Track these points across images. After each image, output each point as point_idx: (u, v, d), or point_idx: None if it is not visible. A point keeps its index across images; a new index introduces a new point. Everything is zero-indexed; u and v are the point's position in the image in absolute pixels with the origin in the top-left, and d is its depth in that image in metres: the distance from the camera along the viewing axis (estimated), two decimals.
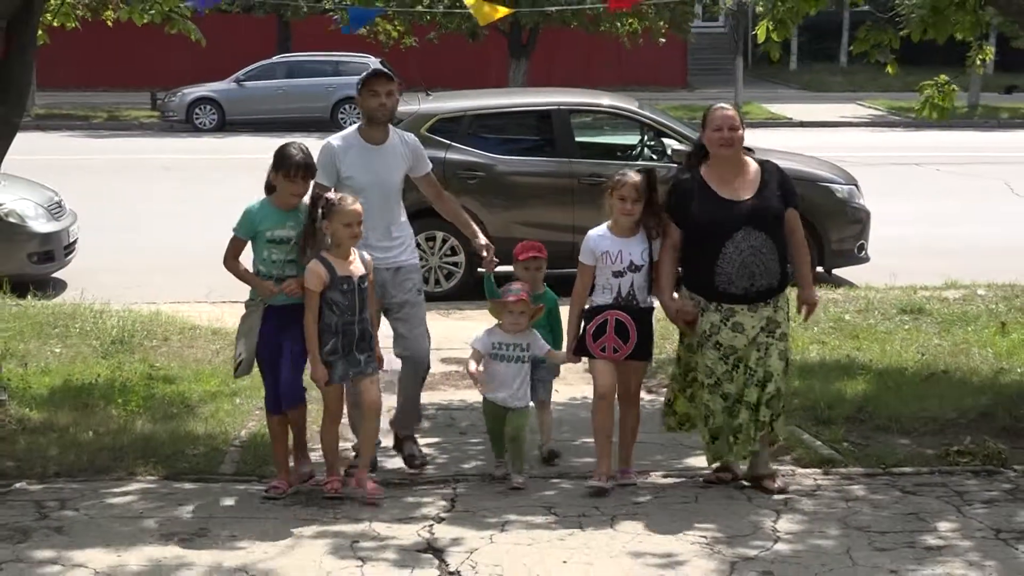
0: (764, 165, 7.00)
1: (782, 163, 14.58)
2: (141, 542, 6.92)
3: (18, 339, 10.74)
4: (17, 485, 7.55)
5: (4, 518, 7.01)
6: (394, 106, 7.58)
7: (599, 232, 7.00)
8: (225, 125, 31.89)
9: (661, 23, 35.63)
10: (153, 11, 13.91)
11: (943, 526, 6.50)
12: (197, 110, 31.86)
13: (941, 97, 11.16)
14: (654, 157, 14.46)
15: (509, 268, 7.95)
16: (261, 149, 27.54)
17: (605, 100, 15.12)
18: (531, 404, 7.48)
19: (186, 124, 31.85)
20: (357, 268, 6.78)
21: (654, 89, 37.59)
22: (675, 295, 7.09)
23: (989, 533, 6.87)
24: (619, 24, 34.84)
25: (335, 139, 7.62)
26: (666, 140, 14.37)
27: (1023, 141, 26.78)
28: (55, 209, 13.93)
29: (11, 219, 13.60)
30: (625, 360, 6.99)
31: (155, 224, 18.38)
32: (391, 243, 7.58)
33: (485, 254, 7.72)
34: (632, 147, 14.77)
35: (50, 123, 32.24)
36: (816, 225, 13.95)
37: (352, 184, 7.35)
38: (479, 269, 7.81)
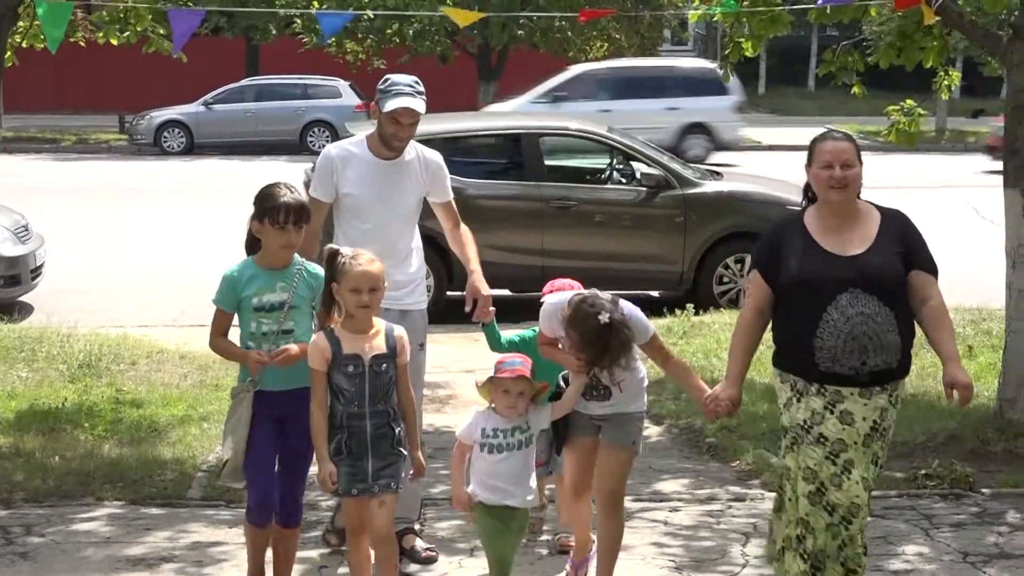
0: (888, 215, 5.55)
1: (750, 187, 15.21)
2: (108, 568, 6.89)
3: None
4: None
5: None
6: (411, 136, 6.48)
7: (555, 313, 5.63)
8: (193, 148, 31.96)
9: (628, 48, 35.87)
10: (128, 32, 14.08)
11: (911, 549, 6.52)
12: (165, 133, 31.89)
13: (908, 123, 11.18)
14: (623, 181, 14.55)
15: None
16: (229, 172, 28.62)
17: (574, 124, 15.19)
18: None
19: (154, 147, 31.85)
20: (374, 346, 5.38)
21: None
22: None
23: (957, 556, 6.93)
24: (588, 48, 35.12)
25: (336, 147, 6.62)
26: (635, 164, 14.41)
27: (989, 165, 27.14)
28: (21, 232, 13.90)
29: None
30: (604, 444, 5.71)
31: (123, 247, 18.39)
32: (399, 279, 6.35)
33: (475, 302, 6.47)
34: (601, 171, 14.83)
35: (17, 146, 32.21)
36: None
37: (352, 203, 6.41)
38: (473, 319, 6.64)
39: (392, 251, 6.31)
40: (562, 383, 5.72)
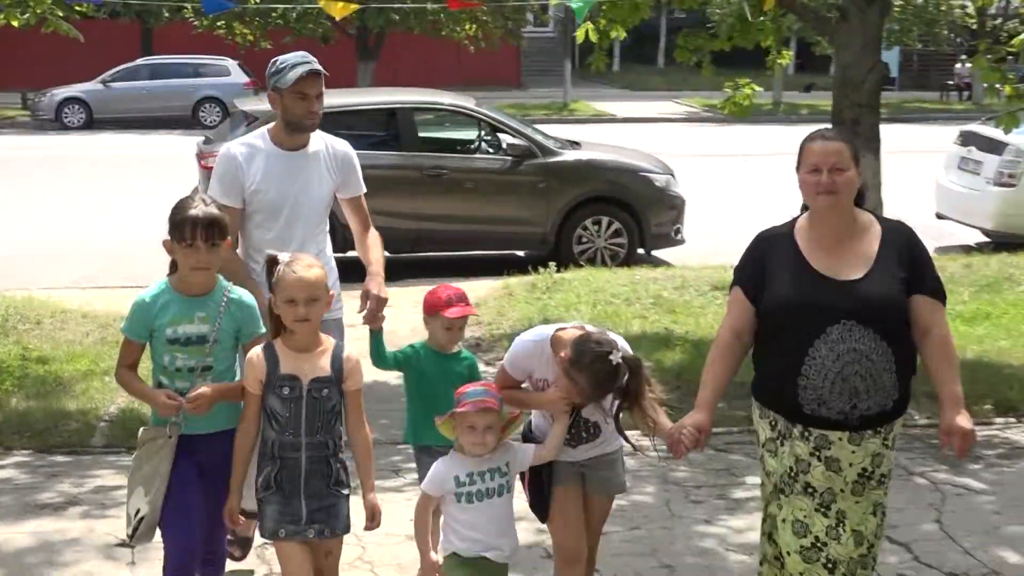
0: (890, 229, 4.43)
1: (605, 156, 15.21)
2: (18, 512, 6.82)
3: None
4: None
5: None
6: (320, 111, 5.50)
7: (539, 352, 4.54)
8: (93, 123, 31.59)
9: (496, 29, 36.32)
10: (27, 14, 13.59)
11: (750, 480, 6.56)
12: (66, 109, 31.67)
13: (741, 96, 11.44)
14: (490, 151, 14.62)
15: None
16: (127, 145, 28.23)
17: (446, 99, 15.25)
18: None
19: (55, 123, 31.57)
20: (317, 367, 4.37)
21: (491, 89, 38.07)
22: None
23: None
24: (458, 29, 35.46)
25: (236, 144, 5.55)
26: (501, 135, 14.53)
27: None
28: None
29: None
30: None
31: (27, 216, 18.00)
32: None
33: (367, 304, 5.28)
34: (471, 142, 14.92)
35: None
36: (637, 211, 14.41)
37: (262, 200, 5.43)
38: (362, 321, 5.39)
39: (304, 248, 5.35)
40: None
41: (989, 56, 11.30)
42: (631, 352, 4.39)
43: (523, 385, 4.58)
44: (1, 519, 6.83)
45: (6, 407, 8.52)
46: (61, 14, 13.56)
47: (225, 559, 4.89)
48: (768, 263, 4.35)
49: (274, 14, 32.46)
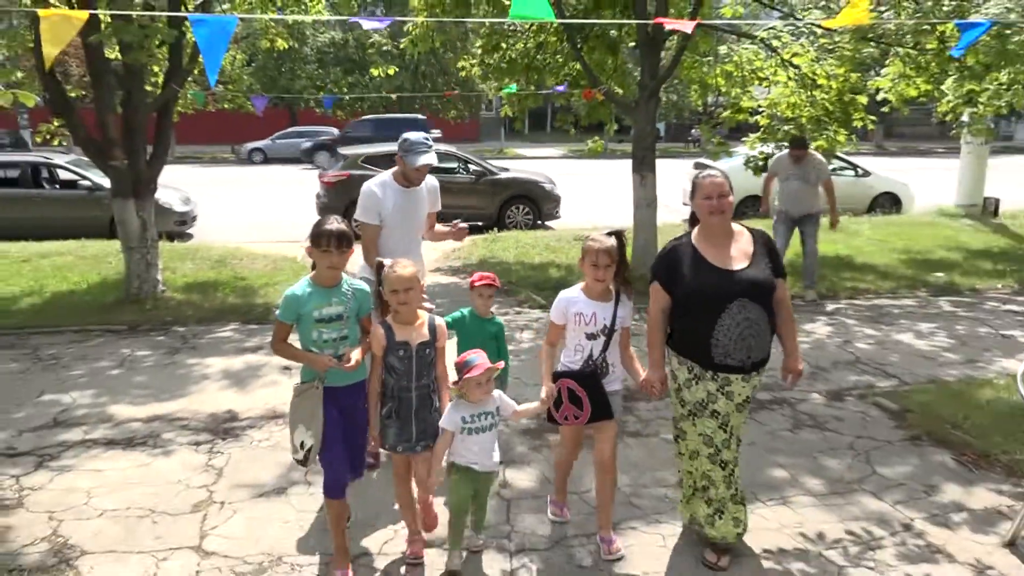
0: (755, 234, 5.05)
1: (521, 175, 17.78)
2: (234, 352, 8.70)
3: None
4: None
5: None
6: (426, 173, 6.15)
7: (572, 294, 5.16)
8: (267, 161, 39.96)
9: (467, 113, 47.95)
10: (232, 104, 19.01)
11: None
12: (253, 154, 40.81)
13: (595, 145, 14.12)
14: (464, 173, 17.62)
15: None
16: (284, 172, 34.90)
17: (442, 147, 17.61)
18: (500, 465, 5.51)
19: (247, 160, 39.97)
20: (419, 334, 4.92)
21: (463, 142, 45.56)
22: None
23: None
24: (449, 113, 48.28)
25: (375, 184, 6.12)
26: (470, 165, 17.90)
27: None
28: None
29: None
30: (592, 422, 5.15)
31: (235, 207, 21.55)
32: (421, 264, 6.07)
33: (453, 229, 6.42)
34: (455, 169, 17.77)
35: None
36: (537, 201, 17.81)
37: (390, 223, 6.11)
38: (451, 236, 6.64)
39: (412, 252, 6.10)
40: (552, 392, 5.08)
41: (707, 125, 13.83)
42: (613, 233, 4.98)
43: (564, 325, 5.07)
44: (225, 354, 8.70)
45: (225, 303, 10.61)
46: (250, 104, 18.55)
47: (364, 467, 5.22)
48: (677, 262, 4.88)
49: (357, 103, 40.53)
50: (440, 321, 5.05)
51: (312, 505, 5.81)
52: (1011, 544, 5.48)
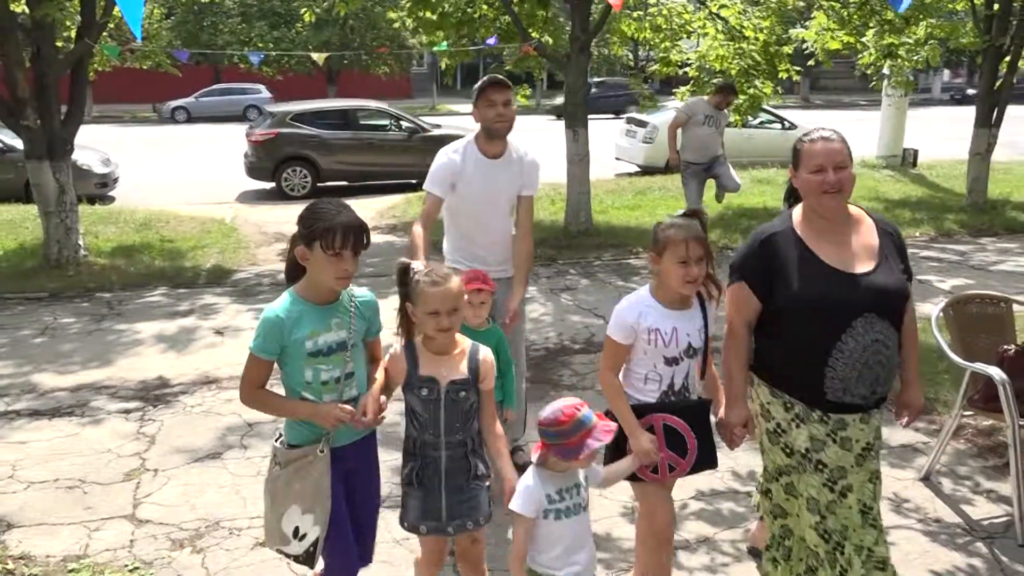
0: (881, 224, 3.70)
1: (452, 131, 16.82)
2: (166, 317, 8.88)
3: None
4: None
5: None
6: (513, 116, 5.12)
7: (642, 301, 3.77)
8: (191, 120, 40.26)
9: (398, 68, 45.76)
10: (151, 62, 18.86)
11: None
12: (176, 112, 41.39)
13: (522, 98, 13.26)
14: (396, 130, 17.59)
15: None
16: (209, 131, 34.22)
17: (372, 104, 18.62)
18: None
19: (170, 120, 40.63)
20: (454, 370, 3.49)
21: (395, 99, 42.92)
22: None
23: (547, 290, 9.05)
24: (379, 68, 45.31)
25: (451, 150, 5.17)
26: (402, 122, 17.94)
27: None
28: None
29: None
30: (693, 471, 3.82)
31: (158, 168, 21.40)
32: (507, 255, 5.27)
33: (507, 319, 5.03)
34: (386, 126, 17.89)
35: None
36: None
37: (467, 199, 5.13)
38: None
39: (502, 235, 5.31)
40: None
41: (637, 78, 15.56)
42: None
43: (630, 344, 3.70)
44: (154, 319, 8.72)
45: (152, 267, 10.74)
46: (170, 62, 19.09)
47: (373, 553, 3.75)
48: (776, 259, 3.59)
49: (284, 59, 39.85)
50: (486, 354, 3.63)
51: (249, 469, 5.75)
52: (926, 479, 5.70)
